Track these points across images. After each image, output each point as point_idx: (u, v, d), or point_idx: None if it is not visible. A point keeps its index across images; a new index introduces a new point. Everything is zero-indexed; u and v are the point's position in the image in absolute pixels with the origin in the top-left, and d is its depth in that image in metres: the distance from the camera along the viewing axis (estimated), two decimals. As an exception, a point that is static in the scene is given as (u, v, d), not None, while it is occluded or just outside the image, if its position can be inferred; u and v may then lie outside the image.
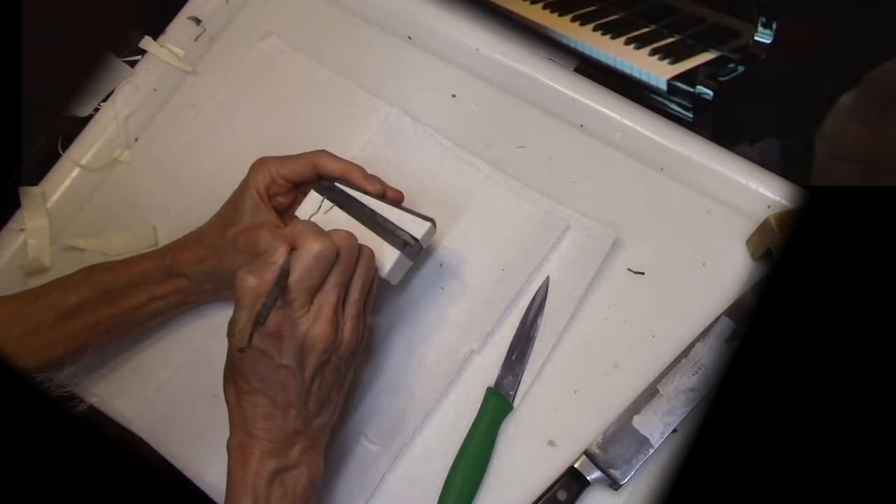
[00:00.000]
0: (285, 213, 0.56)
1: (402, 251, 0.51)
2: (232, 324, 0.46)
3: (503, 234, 0.60)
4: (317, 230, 0.47)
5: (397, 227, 0.51)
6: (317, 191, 0.53)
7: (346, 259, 0.47)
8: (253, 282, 0.45)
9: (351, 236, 0.48)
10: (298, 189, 0.56)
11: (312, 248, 0.45)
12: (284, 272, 0.45)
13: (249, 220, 0.53)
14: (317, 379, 0.47)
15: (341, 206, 0.52)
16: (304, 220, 0.51)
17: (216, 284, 0.55)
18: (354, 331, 0.48)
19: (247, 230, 0.53)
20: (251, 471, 0.45)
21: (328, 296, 0.46)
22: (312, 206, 0.52)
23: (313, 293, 0.46)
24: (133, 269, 0.54)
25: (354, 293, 0.48)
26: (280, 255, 0.46)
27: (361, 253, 0.49)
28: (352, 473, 0.55)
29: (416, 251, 0.52)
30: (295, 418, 0.47)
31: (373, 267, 0.50)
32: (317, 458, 0.49)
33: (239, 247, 0.52)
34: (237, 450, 0.46)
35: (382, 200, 0.52)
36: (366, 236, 0.51)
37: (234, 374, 0.47)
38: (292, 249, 0.46)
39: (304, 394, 0.47)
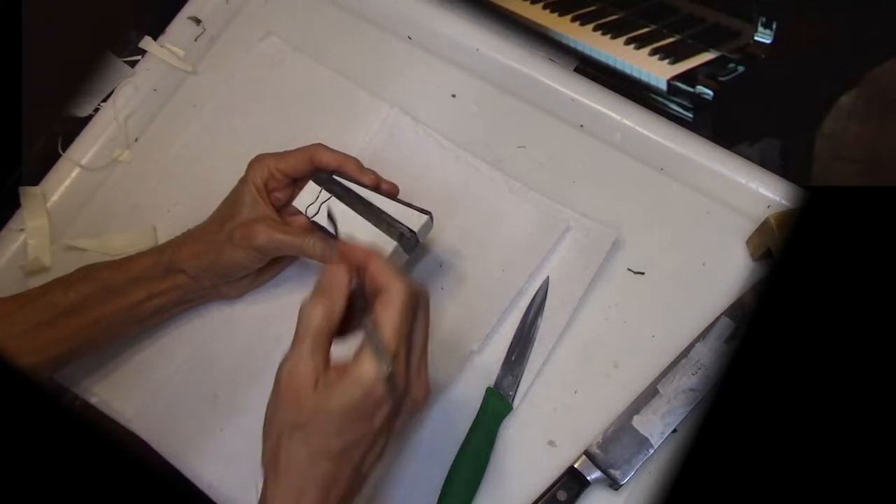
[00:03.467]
0: (283, 210, 0.56)
1: (398, 242, 0.51)
2: (288, 362, 0.42)
3: (503, 234, 0.60)
4: (395, 269, 0.43)
5: (395, 219, 0.51)
6: (315, 181, 0.53)
7: (426, 302, 0.43)
8: (321, 310, 0.41)
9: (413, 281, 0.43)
10: (296, 185, 0.56)
11: (407, 289, 0.41)
12: (355, 292, 0.42)
13: (247, 215, 0.54)
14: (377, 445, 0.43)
15: (339, 198, 0.52)
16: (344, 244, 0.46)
17: (214, 280, 0.55)
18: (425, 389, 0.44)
19: (244, 224, 0.53)
20: None
21: (420, 350, 0.42)
22: (310, 197, 0.53)
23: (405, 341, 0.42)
24: (132, 265, 0.54)
25: (422, 341, 0.44)
26: (342, 275, 0.42)
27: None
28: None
29: (413, 244, 0.52)
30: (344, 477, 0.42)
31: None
32: None
33: (235, 241, 0.53)
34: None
35: (377, 192, 0.53)
36: (363, 227, 0.51)
37: (303, 428, 0.41)
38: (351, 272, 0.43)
39: (372, 451, 0.42)
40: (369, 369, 0.40)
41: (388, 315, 0.41)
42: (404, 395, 0.43)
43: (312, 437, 0.41)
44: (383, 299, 0.41)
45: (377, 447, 0.43)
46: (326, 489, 0.41)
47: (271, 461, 0.41)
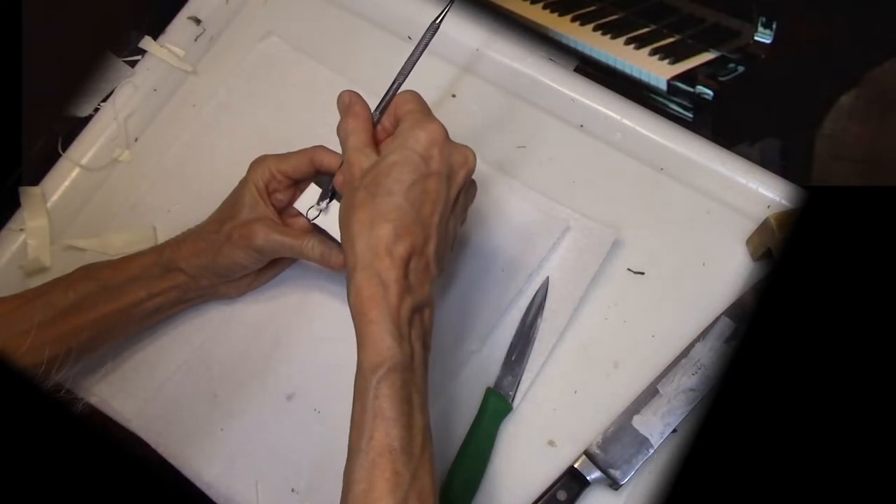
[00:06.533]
0: (284, 211, 0.56)
1: None
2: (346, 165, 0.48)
3: (503, 235, 0.60)
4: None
5: None
6: (317, 183, 0.53)
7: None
8: (349, 121, 0.49)
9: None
10: (297, 187, 0.56)
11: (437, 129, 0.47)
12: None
13: (247, 215, 0.54)
14: (453, 215, 0.47)
15: (340, 200, 0.52)
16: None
17: (213, 280, 0.55)
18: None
19: (243, 224, 0.53)
20: (392, 308, 0.42)
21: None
22: (311, 199, 0.53)
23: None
24: (132, 265, 0.54)
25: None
26: (352, 94, 0.50)
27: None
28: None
29: None
30: (422, 253, 0.44)
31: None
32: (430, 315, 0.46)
33: (234, 241, 0.53)
34: (369, 281, 0.42)
35: None
36: None
37: (371, 187, 0.45)
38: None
39: (443, 221, 0.45)
40: (411, 132, 0.46)
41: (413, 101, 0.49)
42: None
43: (367, 194, 0.45)
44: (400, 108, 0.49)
45: (450, 208, 0.47)
46: (402, 228, 0.44)
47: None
